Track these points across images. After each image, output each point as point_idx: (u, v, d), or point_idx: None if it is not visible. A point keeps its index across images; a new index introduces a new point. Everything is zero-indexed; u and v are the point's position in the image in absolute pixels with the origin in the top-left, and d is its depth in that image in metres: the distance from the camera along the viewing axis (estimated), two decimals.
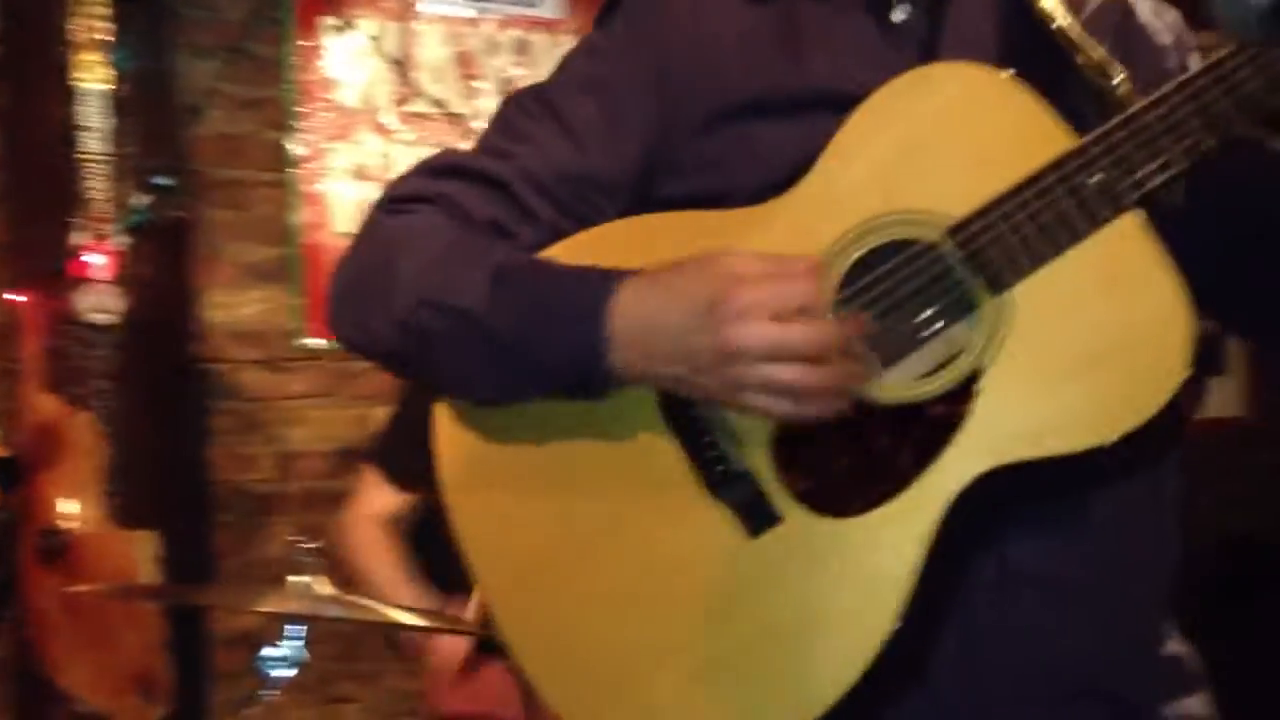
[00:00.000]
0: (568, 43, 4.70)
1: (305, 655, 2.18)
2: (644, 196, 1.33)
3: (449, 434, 1.32)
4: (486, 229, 1.31)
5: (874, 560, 1.16)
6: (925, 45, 1.30)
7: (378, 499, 2.78)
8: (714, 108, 1.31)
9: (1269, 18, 0.96)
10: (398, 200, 1.35)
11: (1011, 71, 1.20)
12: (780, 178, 1.25)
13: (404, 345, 1.28)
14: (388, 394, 2.93)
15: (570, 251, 1.29)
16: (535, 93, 1.40)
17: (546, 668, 1.27)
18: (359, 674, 3.56)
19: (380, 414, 2.97)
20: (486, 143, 1.38)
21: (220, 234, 3.79)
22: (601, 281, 1.20)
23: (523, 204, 1.32)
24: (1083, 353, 1.14)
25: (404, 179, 1.39)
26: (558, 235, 1.32)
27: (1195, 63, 1.31)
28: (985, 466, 1.13)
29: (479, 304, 1.22)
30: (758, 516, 1.20)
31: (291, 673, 2.19)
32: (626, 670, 1.24)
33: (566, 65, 1.42)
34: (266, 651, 2.17)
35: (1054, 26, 1.25)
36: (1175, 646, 1.33)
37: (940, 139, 1.21)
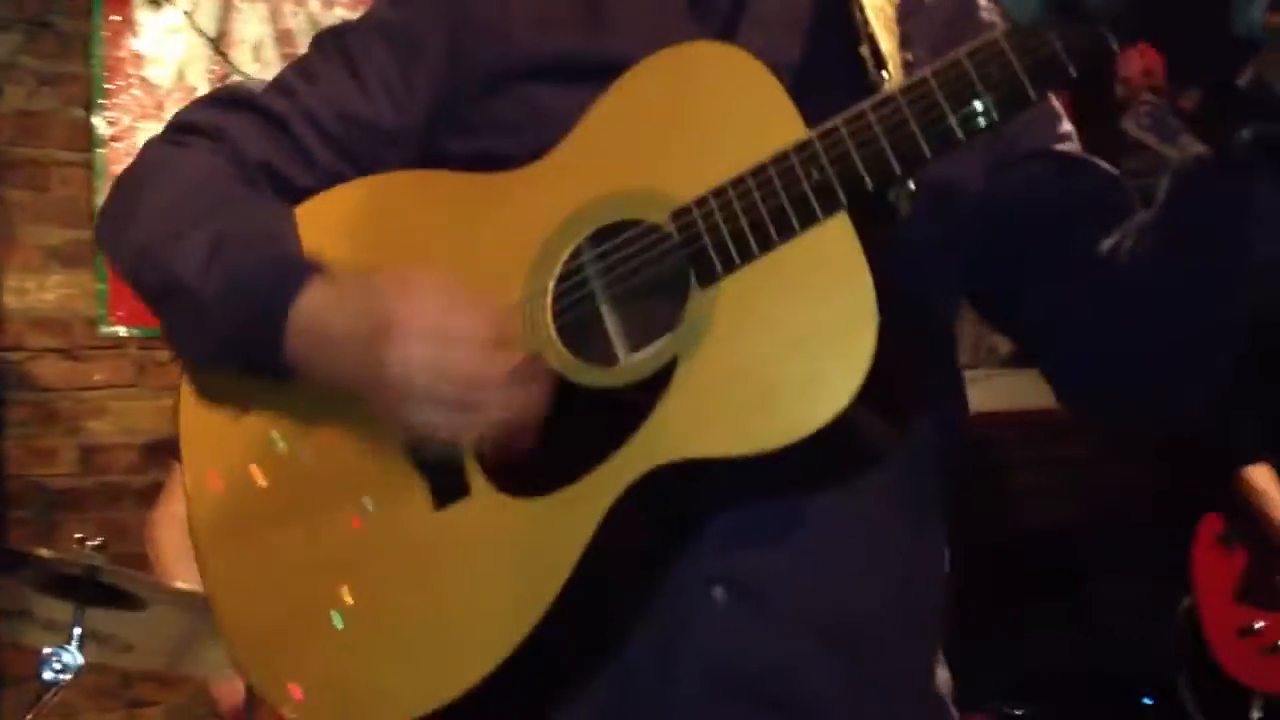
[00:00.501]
0: None
1: (82, 660, 2.10)
2: (431, 150, 1.32)
3: (189, 400, 1.33)
4: (256, 171, 1.31)
5: (542, 544, 1.14)
6: (727, 21, 1.28)
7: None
8: (502, 67, 1.29)
9: None
10: (179, 128, 1.35)
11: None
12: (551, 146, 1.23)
13: (134, 283, 1.30)
14: None
15: (312, 215, 1.29)
16: (334, 33, 1.39)
17: (233, 621, 1.28)
18: (161, 677, 3.41)
19: None
20: (280, 78, 1.37)
21: (18, 216, 3.60)
22: (295, 277, 1.20)
23: (300, 144, 1.32)
24: (767, 353, 1.10)
25: (191, 106, 1.39)
26: (336, 179, 1.31)
27: None
28: (659, 461, 1.11)
29: (190, 271, 1.23)
30: (446, 488, 1.19)
31: (68, 676, 2.10)
32: (297, 628, 1.24)
33: (372, 9, 1.40)
34: (48, 653, 2.09)
35: (859, 15, 1.23)
36: (934, 669, 1.29)
37: (685, 119, 1.19)
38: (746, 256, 1.12)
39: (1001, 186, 1.28)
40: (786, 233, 1.11)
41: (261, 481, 1.27)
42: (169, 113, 3.87)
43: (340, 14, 3.97)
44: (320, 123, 1.32)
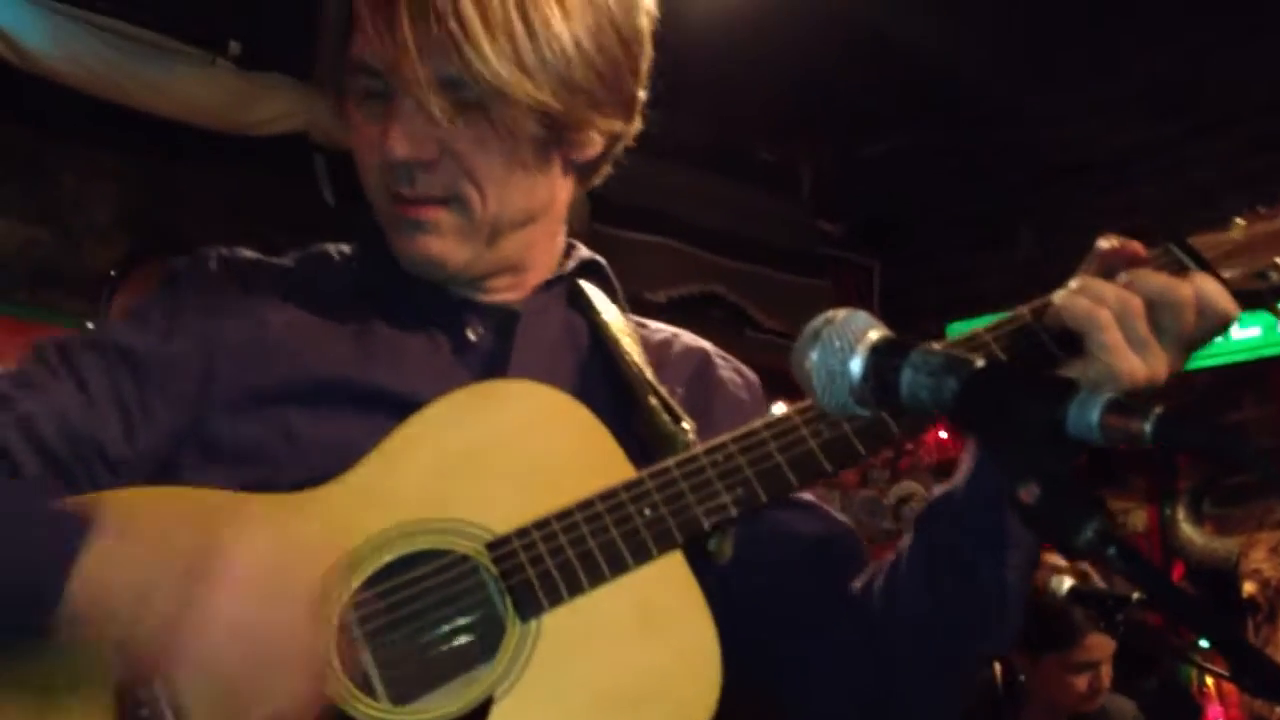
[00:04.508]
0: None
1: None
2: (163, 477, 1.22)
3: None
4: None
5: None
6: (493, 362, 1.30)
7: None
8: (256, 389, 1.24)
9: (860, 387, 0.96)
10: None
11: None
12: (320, 474, 1.18)
13: None
14: None
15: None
16: (60, 344, 1.29)
17: None
18: None
19: None
20: None
21: None
22: (83, 521, 1.06)
23: (8, 454, 1.19)
24: (604, 690, 1.09)
25: None
26: None
27: None
28: None
29: None
30: None
31: None
32: None
33: (105, 327, 1.36)
34: None
35: (627, 367, 1.29)
36: None
37: (499, 451, 1.18)
38: (575, 590, 1.11)
39: (767, 531, 1.30)
40: (618, 568, 1.12)
41: None
42: None
43: None
44: (37, 431, 1.20)
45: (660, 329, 1.46)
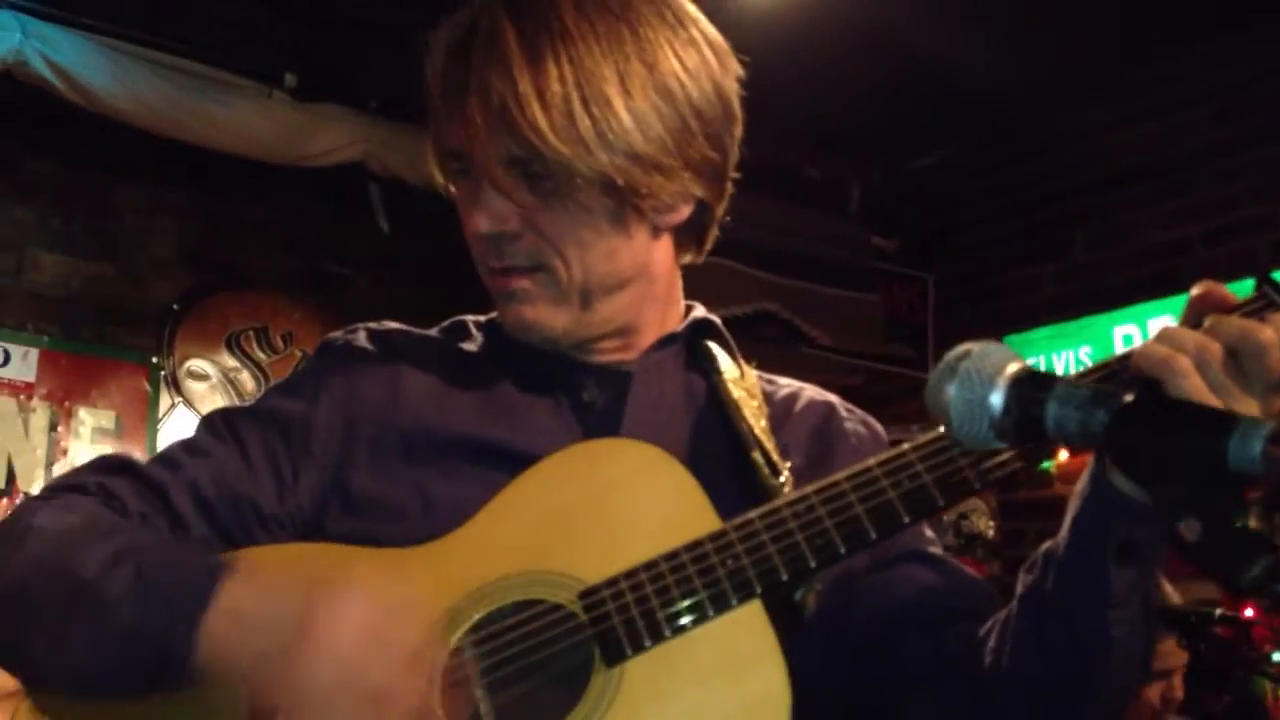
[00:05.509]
0: (38, 408, 4.13)
1: None
2: (309, 534, 1.32)
3: None
4: (136, 519, 1.30)
5: None
6: (607, 421, 1.35)
7: None
8: (393, 449, 1.32)
9: (1002, 420, 0.95)
10: (58, 489, 1.34)
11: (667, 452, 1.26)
12: (443, 528, 1.25)
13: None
14: None
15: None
16: (224, 415, 1.41)
17: None
18: None
19: None
20: (165, 451, 1.40)
21: None
22: (214, 569, 1.17)
23: (175, 510, 1.31)
24: None
25: (70, 472, 1.40)
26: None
27: None
28: None
29: (93, 573, 1.18)
30: None
31: None
32: None
33: (266, 394, 1.44)
34: None
35: (739, 421, 1.32)
36: None
37: (595, 506, 1.23)
38: (657, 638, 1.14)
39: (883, 585, 1.35)
40: (699, 618, 1.14)
41: None
42: None
43: None
44: (201, 492, 1.33)
45: (787, 384, 1.50)
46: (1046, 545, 1.25)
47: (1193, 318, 1.22)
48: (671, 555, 1.17)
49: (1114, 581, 1.18)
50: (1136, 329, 5.34)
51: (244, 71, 4.58)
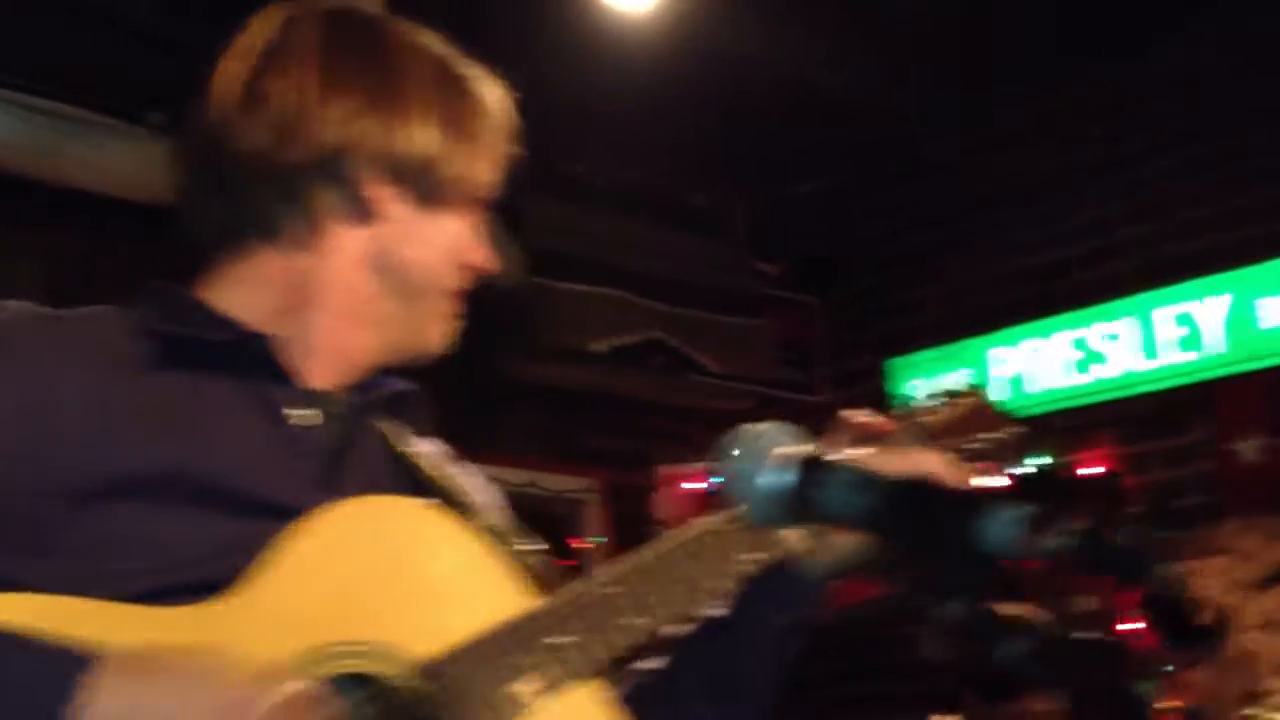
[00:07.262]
0: None
1: None
2: None
3: None
4: None
5: None
6: (331, 457, 1.27)
7: None
8: (90, 482, 1.13)
9: (787, 499, 0.96)
10: None
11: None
12: (191, 576, 1.12)
13: None
14: None
15: None
16: None
17: None
18: None
19: None
20: None
21: None
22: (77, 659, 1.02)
23: None
24: None
25: None
26: None
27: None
28: None
29: None
30: None
31: None
32: None
33: None
34: None
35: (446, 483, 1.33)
36: None
37: (395, 571, 1.19)
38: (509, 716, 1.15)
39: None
40: (552, 689, 1.16)
41: None
42: None
43: None
44: None
45: None
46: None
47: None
48: (514, 628, 1.17)
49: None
50: (1011, 351, 5.43)
51: (106, 109, 4.47)
